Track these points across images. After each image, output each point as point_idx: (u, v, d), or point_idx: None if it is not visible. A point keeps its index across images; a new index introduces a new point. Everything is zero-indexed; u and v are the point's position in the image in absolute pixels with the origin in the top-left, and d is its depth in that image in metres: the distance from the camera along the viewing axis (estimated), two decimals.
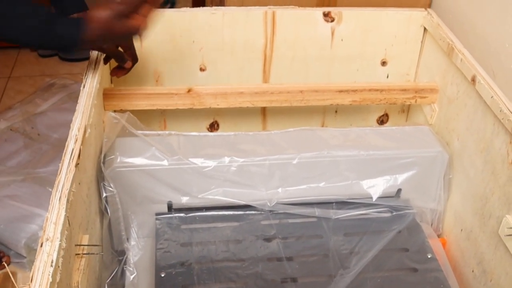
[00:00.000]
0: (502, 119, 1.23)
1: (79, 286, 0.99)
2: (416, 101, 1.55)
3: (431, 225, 1.50)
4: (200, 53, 1.59)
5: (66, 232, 0.92)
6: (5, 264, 1.72)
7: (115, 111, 1.44)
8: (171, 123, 1.70)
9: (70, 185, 0.97)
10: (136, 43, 1.39)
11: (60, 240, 0.87)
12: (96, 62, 1.34)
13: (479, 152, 1.34)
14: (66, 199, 0.95)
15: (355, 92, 1.51)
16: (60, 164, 1.02)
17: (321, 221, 1.41)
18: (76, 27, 1.12)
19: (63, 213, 0.92)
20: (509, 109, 1.22)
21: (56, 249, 0.86)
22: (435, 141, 1.46)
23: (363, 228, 1.40)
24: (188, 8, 1.54)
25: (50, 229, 0.89)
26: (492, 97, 1.27)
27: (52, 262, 0.83)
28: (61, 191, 0.96)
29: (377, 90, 1.52)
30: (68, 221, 0.94)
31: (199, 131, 1.54)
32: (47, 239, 0.87)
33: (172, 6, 2.93)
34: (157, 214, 1.39)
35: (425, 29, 1.62)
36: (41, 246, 0.86)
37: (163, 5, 2.46)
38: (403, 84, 1.58)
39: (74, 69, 2.84)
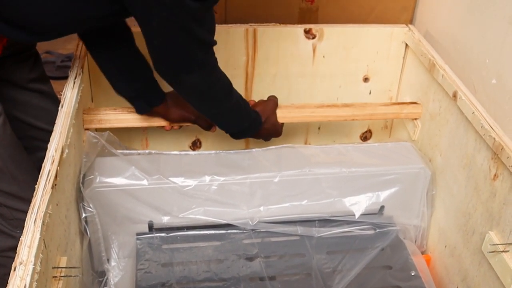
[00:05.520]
0: (484, 135, 1.23)
1: None
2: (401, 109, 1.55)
3: (415, 242, 1.49)
4: None
5: (41, 255, 0.89)
6: None
7: (96, 129, 1.42)
8: (153, 142, 1.68)
9: (46, 207, 0.95)
10: None
11: (34, 264, 0.85)
12: (75, 81, 1.32)
13: (461, 168, 1.34)
14: (41, 221, 0.93)
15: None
16: (36, 186, 1.00)
17: (303, 239, 1.40)
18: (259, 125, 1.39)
19: (38, 235, 0.90)
20: (490, 125, 1.22)
21: (30, 273, 0.84)
22: (417, 158, 1.46)
23: (346, 246, 1.39)
24: None
25: (24, 252, 0.87)
26: (473, 113, 1.27)
27: (25, 286, 0.81)
28: (37, 213, 0.94)
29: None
30: (44, 244, 0.93)
31: (181, 149, 1.53)
32: (21, 263, 0.85)
33: None
34: (137, 234, 1.37)
35: (406, 45, 1.62)
36: (14, 270, 0.84)
37: None
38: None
39: (57, 87, 2.80)
